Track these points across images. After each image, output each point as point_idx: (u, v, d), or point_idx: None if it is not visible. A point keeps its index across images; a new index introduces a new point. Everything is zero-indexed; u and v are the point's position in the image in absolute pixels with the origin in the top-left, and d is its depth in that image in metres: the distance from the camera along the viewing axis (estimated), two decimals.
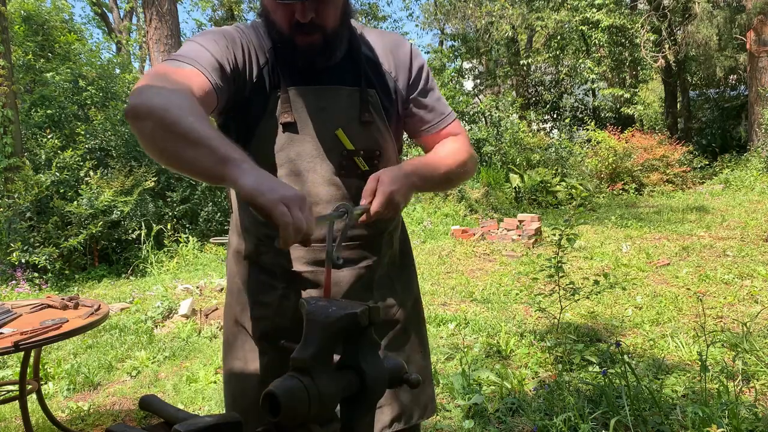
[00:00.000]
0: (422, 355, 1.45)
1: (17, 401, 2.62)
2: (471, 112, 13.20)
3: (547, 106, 17.78)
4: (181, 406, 2.97)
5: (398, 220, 1.44)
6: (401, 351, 1.38)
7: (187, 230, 8.35)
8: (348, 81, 1.26)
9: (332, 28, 1.18)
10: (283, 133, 1.22)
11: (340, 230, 1.11)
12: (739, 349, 3.18)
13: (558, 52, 16.34)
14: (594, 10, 14.23)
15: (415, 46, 1.39)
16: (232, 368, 1.36)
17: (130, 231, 7.65)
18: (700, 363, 2.82)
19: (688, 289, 4.71)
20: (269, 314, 1.30)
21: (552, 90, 18.02)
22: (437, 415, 2.73)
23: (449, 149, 1.37)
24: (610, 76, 16.20)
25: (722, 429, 2.13)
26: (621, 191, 11.48)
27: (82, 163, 7.78)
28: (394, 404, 1.34)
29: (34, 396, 2.91)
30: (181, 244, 7.92)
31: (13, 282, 6.65)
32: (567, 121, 16.25)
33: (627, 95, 14.64)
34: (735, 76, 17.78)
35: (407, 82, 1.35)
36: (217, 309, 4.81)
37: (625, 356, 2.95)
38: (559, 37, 16.03)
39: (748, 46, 13.27)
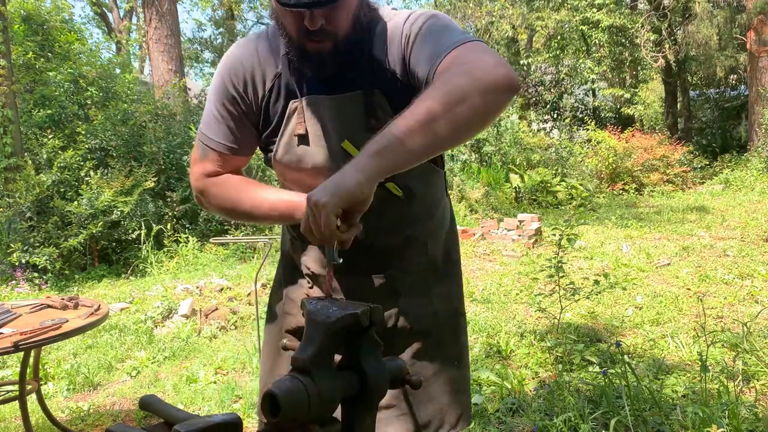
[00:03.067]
0: (457, 366, 1.37)
1: (17, 401, 2.62)
2: None
3: (547, 106, 17.75)
4: (181, 406, 2.97)
5: (438, 227, 1.34)
6: (432, 363, 1.31)
7: (187, 230, 8.33)
8: (355, 85, 1.16)
9: (344, 35, 1.11)
10: (298, 146, 1.19)
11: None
12: (740, 349, 3.18)
13: (558, 52, 16.32)
14: (594, 10, 14.23)
15: (415, 11, 1.17)
16: (265, 354, 1.42)
17: (130, 231, 7.64)
18: (700, 363, 2.82)
19: (689, 289, 4.71)
20: (295, 311, 1.32)
21: (552, 90, 17.99)
22: None
23: (427, 92, 0.97)
24: (610, 76, 16.20)
25: (722, 429, 2.13)
26: (621, 191, 11.48)
27: (82, 163, 7.78)
28: (419, 414, 1.28)
29: (33, 396, 2.90)
30: (181, 244, 7.90)
31: (13, 282, 6.65)
32: (567, 121, 16.25)
33: (627, 95, 14.64)
34: (735, 76, 17.79)
35: (404, 66, 1.15)
36: (217, 309, 4.81)
37: (626, 356, 2.95)
38: (559, 37, 16.01)
39: (748, 46, 13.27)
